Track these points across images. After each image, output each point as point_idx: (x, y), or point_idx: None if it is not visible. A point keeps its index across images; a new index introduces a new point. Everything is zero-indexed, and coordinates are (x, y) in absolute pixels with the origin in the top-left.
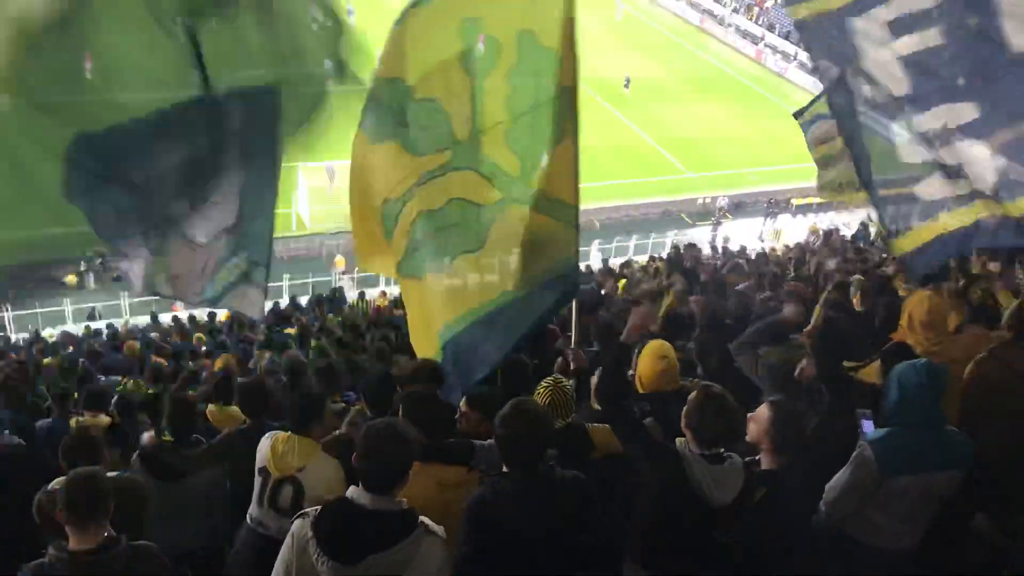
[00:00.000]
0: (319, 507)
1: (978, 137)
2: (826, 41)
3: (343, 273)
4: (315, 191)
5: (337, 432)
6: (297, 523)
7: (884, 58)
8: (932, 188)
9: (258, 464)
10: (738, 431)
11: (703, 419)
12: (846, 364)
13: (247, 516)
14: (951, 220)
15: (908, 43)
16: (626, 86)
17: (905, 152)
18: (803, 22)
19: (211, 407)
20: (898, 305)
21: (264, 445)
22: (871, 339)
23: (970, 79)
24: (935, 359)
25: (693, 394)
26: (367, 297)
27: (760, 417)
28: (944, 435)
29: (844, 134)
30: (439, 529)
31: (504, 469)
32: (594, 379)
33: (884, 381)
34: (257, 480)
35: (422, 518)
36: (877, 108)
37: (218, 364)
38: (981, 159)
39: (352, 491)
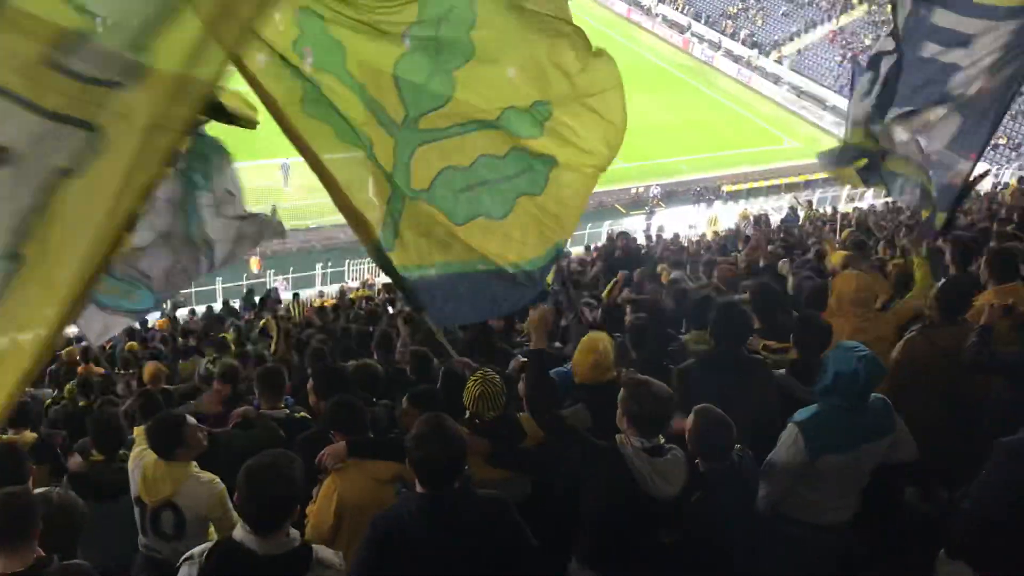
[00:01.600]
0: (205, 549)
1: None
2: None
3: (277, 278)
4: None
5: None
6: (183, 569)
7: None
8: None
9: (133, 492)
10: (671, 410)
11: (641, 406)
12: (769, 345)
13: (138, 543)
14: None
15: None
16: None
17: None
18: None
19: (137, 430)
20: (823, 286)
21: (134, 472)
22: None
23: None
24: (862, 336)
25: (622, 387)
26: (301, 299)
27: (687, 425)
28: (868, 407)
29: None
30: (336, 559)
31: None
32: (521, 385)
33: (802, 358)
34: (136, 509)
35: (316, 549)
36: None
37: (147, 374)
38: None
39: (239, 533)
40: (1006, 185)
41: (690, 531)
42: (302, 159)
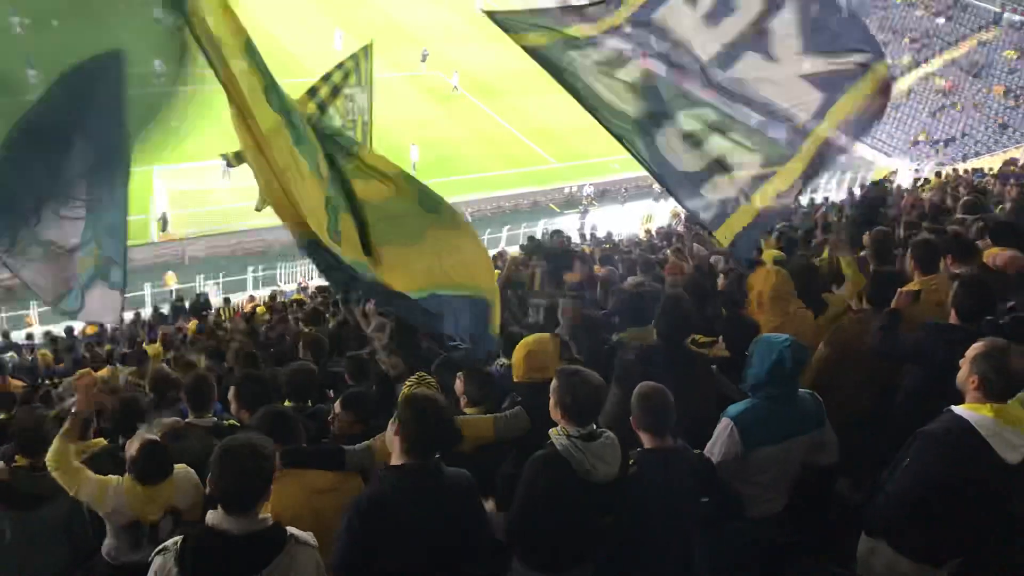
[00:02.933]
0: (178, 539)
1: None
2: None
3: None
4: (180, 195)
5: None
6: (158, 560)
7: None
8: (741, 173)
9: (119, 521)
10: (603, 398)
11: (573, 396)
12: (697, 339)
13: (103, 550)
14: (759, 199)
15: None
16: (423, 59)
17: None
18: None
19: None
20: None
21: (116, 503)
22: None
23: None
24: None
25: (555, 378)
26: (232, 303)
27: (633, 404)
28: (799, 401)
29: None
30: (308, 537)
31: (394, 462)
32: (458, 384)
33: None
34: (125, 533)
35: (290, 529)
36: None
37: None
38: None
39: (212, 516)
40: (927, 181)
41: (625, 513)
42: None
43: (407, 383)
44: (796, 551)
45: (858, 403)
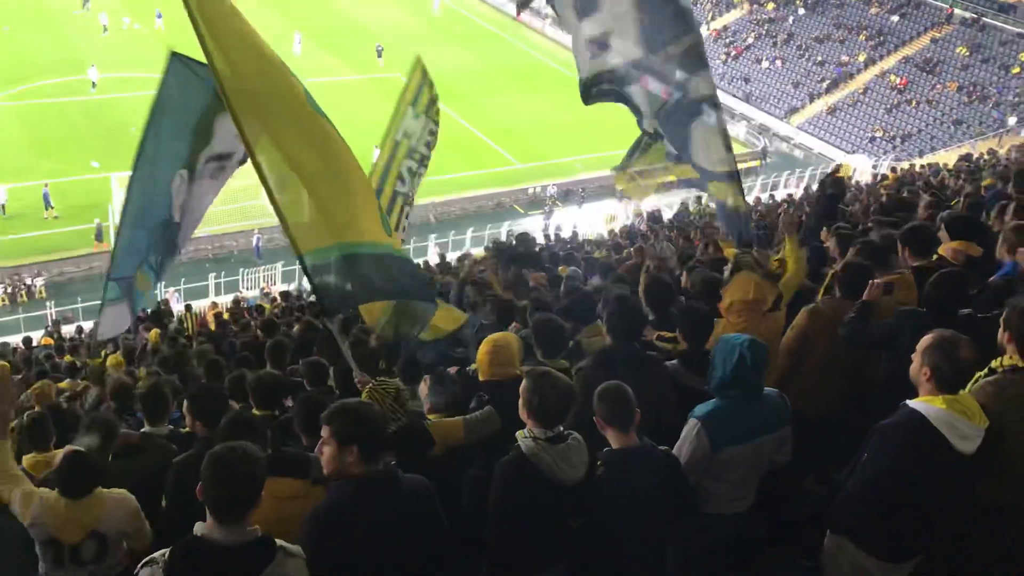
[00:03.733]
0: (167, 552)
1: None
2: None
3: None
4: None
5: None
6: (144, 572)
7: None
8: None
9: (39, 536)
10: (572, 402)
11: (542, 399)
12: (664, 335)
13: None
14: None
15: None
16: (379, 55)
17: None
18: None
19: (27, 458)
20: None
21: (36, 517)
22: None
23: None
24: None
25: (524, 380)
26: (194, 310)
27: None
28: (765, 400)
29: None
30: (297, 549)
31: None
32: (422, 387)
33: (689, 348)
34: (46, 550)
35: (279, 541)
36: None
37: (35, 394)
38: None
39: (200, 527)
40: (884, 176)
41: (595, 514)
42: None
43: (365, 394)
44: (765, 546)
45: (829, 397)
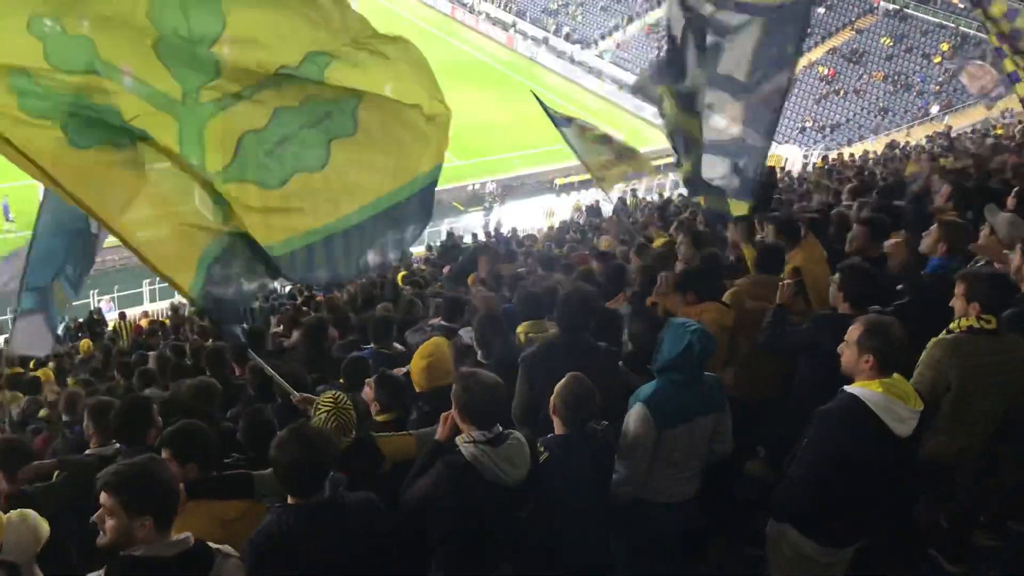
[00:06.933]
0: (100, 572)
1: None
2: None
3: (102, 298)
4: None
5: None
6: None
7: None
8: None
9: None
10: (500, 398)
11: (472, 396)
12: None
13: None
14: None
15: None
16: None
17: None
18: None
19: None
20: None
21: None
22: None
23: None
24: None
25: (454, 383)
26: (128, 318)
27: (557, 388)
28: (703, 381)
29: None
30: (230, 548)
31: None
32: (367, 390)
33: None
34: None
35: (213, 545)
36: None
37: None
38: None
39: (136, 549)
40: (815, 165)
41: (540, 502)
42: None
43: (323, 408)
44: (711, 534)
45: (770, 382)
